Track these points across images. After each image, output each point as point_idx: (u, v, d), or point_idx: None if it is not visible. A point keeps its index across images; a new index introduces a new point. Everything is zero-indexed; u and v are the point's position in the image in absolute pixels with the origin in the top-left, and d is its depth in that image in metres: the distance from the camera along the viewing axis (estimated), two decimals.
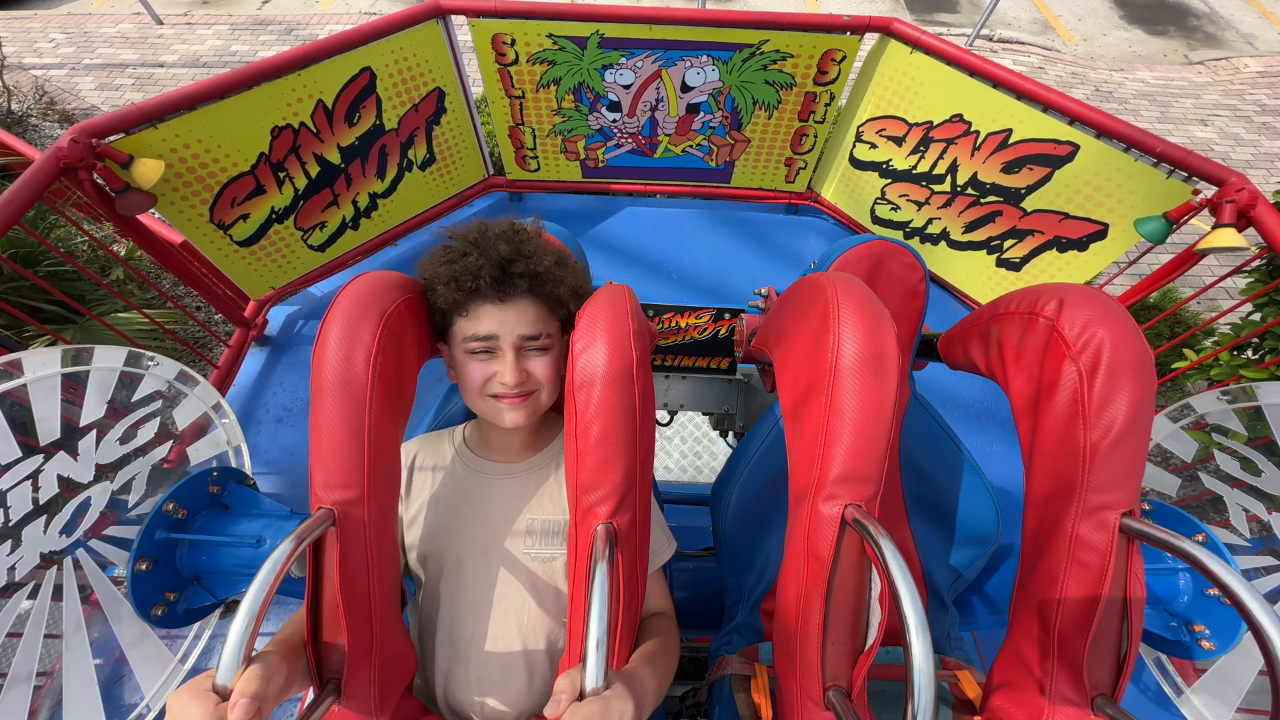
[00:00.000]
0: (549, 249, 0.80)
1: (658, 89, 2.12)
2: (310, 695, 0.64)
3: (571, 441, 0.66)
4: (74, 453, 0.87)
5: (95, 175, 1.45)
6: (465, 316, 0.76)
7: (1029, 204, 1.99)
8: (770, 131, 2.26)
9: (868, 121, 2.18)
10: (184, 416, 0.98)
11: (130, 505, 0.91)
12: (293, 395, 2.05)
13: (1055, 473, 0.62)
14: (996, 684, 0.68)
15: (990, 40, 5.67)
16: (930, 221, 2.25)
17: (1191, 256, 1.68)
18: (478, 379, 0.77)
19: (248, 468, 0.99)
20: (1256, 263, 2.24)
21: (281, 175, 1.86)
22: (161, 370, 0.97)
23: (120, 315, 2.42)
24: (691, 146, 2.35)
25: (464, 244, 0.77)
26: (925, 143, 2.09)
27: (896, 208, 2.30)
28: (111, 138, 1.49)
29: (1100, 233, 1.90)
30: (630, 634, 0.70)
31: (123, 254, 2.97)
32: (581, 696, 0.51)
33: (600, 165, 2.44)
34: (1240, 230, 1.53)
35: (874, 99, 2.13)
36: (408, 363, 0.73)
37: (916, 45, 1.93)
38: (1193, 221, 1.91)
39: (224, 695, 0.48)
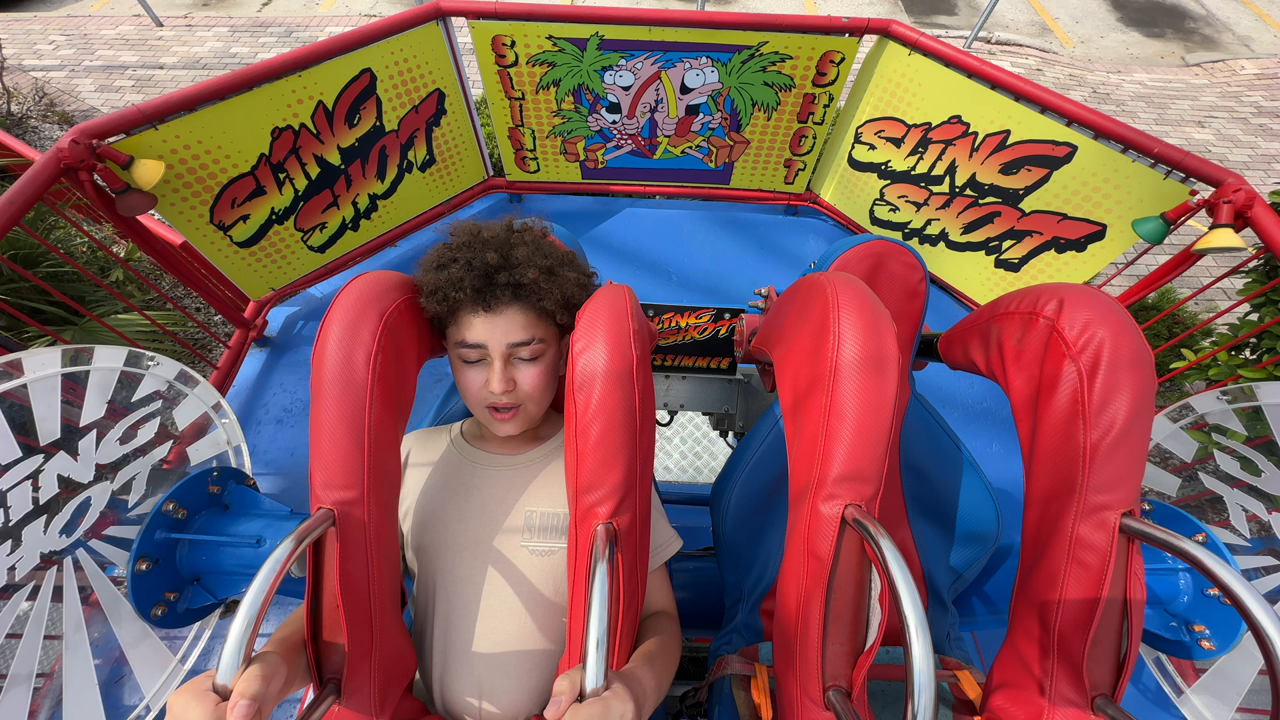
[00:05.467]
0: (543, 256, 0.78)
1: (657, 90, 2.13)
2: (310, 695, 0.64)
3: (571, 441, 0.66)
4: (74, 453, 0.87)
5: (96, 176, 1.46)
6: (454, 324, 0.77)
7: (1027, 205, 1.99)
8: (769, 133, 2.26)
9: (866, 123, 2.19)
10: (184, 416, 0.98)
11: (130, 505, 0.90)
12: (292, 396, 2.05)
13: (1055, 473, 0.62)
14: (996, 684, 0.68)
15: (988, 42, 5.69)
16: (929, 222, 2.25)
17: (1189, 257, 1.68)
18: (472, 387, 0.78)
19: (248, 467, 0.99)
20: (1254, 263, 2.24)
21: (282, 176, 1.86)
22: (161, 370, 0.97)
23: (120, 316, 2.42)
24: (691, 148, 2.35)
25: (456, 247, 0.77)
26: (924, 144, 2.09)
27: (895, 209, 2.30)
28: (112, 139, 1.49)
29: (1098, 233, 1.91)
30: (630, 634, 0.70)
31: (122, 255, 2.96)
32: (582, 697, 0.51)
33: (600, 166, 2.45)
34: (1238, 231, 1.53)
35: (872, 100, 2.13)
36: (408, 363, 0.73)
37: (915, 47, 1.93)
38: (1190, 222, 1.91)
39: (224, 695, 0.48)
